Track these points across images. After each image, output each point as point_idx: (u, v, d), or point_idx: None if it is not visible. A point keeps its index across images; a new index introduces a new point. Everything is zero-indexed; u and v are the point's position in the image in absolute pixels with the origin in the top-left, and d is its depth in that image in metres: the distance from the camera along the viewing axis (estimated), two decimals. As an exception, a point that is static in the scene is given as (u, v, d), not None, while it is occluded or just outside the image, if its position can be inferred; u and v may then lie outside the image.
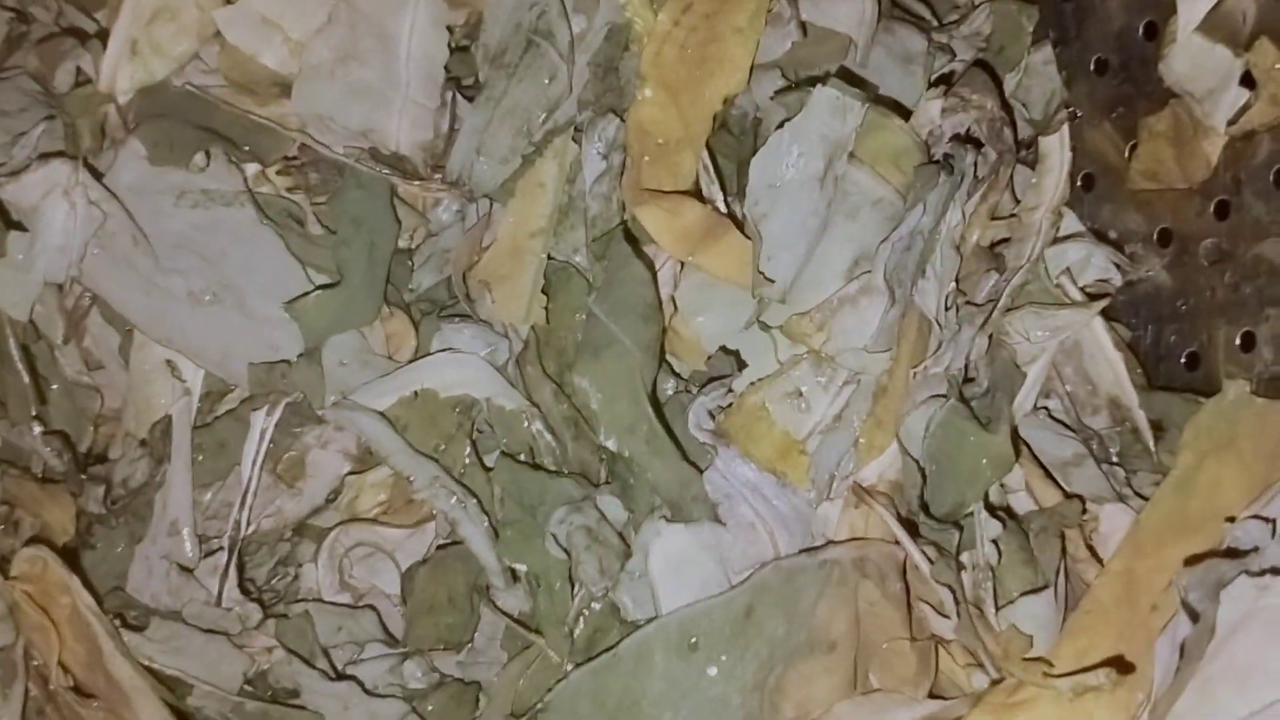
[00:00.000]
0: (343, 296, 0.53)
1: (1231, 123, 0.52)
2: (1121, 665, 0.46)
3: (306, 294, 0.52)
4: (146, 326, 0.54)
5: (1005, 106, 0.55)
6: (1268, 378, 0.51)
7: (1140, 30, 0.56)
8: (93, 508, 0.54)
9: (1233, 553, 0.46)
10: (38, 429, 0.56)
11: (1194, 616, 0.44)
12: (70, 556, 0.53)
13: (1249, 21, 0.52)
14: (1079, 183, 0.59)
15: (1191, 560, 0.46)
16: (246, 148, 0.55)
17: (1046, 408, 0.57)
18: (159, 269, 0.53)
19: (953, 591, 0.48)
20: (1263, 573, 0.45)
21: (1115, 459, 0.55)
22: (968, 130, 0.54)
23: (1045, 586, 0.49)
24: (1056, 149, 0.57)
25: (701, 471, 0.50)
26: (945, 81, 0.56)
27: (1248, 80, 0.52)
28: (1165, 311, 0.56)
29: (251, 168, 0.55)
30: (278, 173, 0.55)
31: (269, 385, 0.52)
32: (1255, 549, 0.46)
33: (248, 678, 0.52)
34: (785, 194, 0.52)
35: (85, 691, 0.51)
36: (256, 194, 0.54)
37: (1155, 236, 0.57)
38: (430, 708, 0.52)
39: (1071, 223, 0.58)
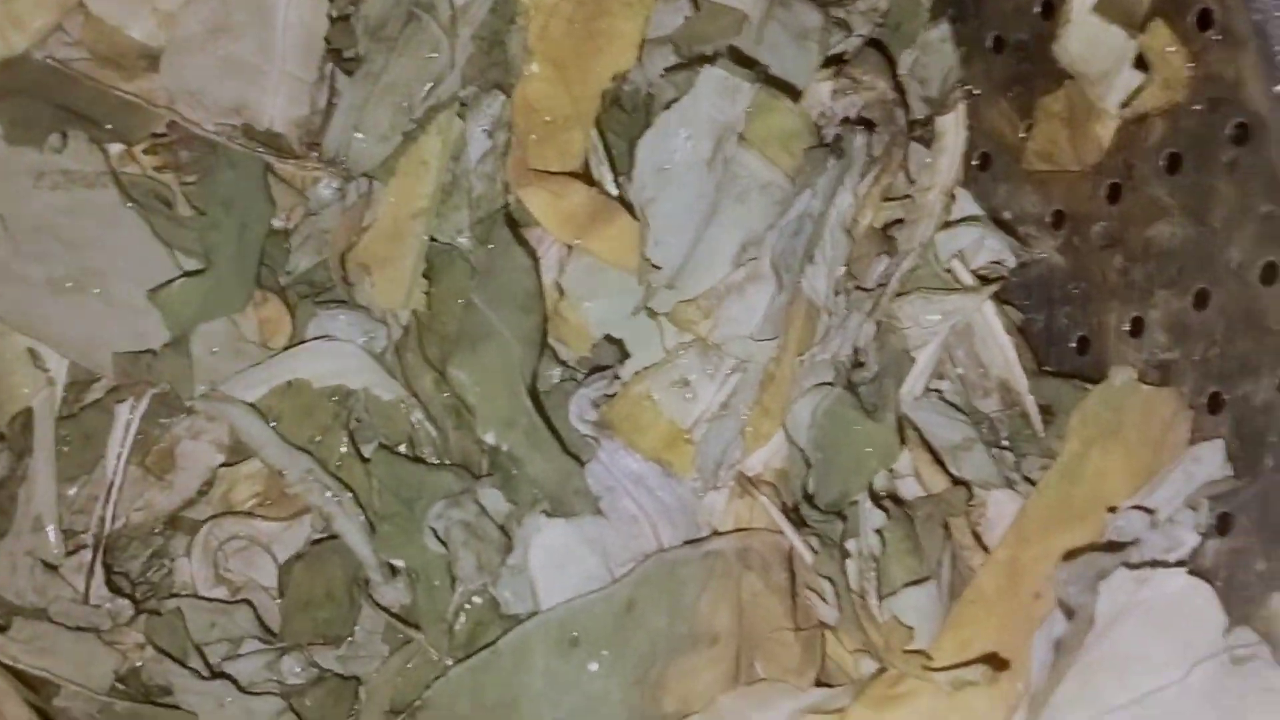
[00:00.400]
0: (210, 282, 0.51)
1: (1125, 105, 0.52)
2: (999, 660, 0.46)
3: (172, 280, 0.50)
4: (5, 314, 0.52)
5: (898, 87, 0.55)
6: (1155, 364, 0.51)
7: (1038, 8, 0.56)
8: (-47, 503, 0.52)
9: (1112, 545, 0.46)
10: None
11: (1069, 613, 0.44)
12: (-69, 553, 0.51)
13: (1144, 3, 0.51)
14: (975, 162, 0.58)
15: (1071, 554, 0.46)
16: (110, 126, 0.52)
17: (938, 390, 0.56)
18: (17, 254, 0.51)
19: (833, 583, 0.47)
20: (1141, 565, 0.46)
21: (1005, 443, 0.55)
22: (859, 112, 0.54)
23: (928, 578, 0.48)
24: (952, 128, 0.57)
25: (583, 464, 0.49)
26: (837, 61, 0.55)
27: (1142, 63, 0.51)
28: (1058, 295, 0.56)
29: (117, 147, 0.52)
30: (145, 151, 0.53)
31: (135, 375, 0.51)
32: (1135, 541, 0.46)
33: (119, 676, 0.51)
34: (673, 178, 0.51)
35: (-52, 691, 0.50)
36: (122, 174, 0.52)
37: (1049, 218, 0.56)
38: (308, 704, 0.51)
39: (966, 203, 0.57)
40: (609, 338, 0.52)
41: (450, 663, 0.49)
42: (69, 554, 0.51)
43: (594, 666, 0.47)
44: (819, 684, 0.50)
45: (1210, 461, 0.48)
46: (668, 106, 0.52)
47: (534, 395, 0.50)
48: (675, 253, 0.51)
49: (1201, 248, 0.50)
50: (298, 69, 0.55)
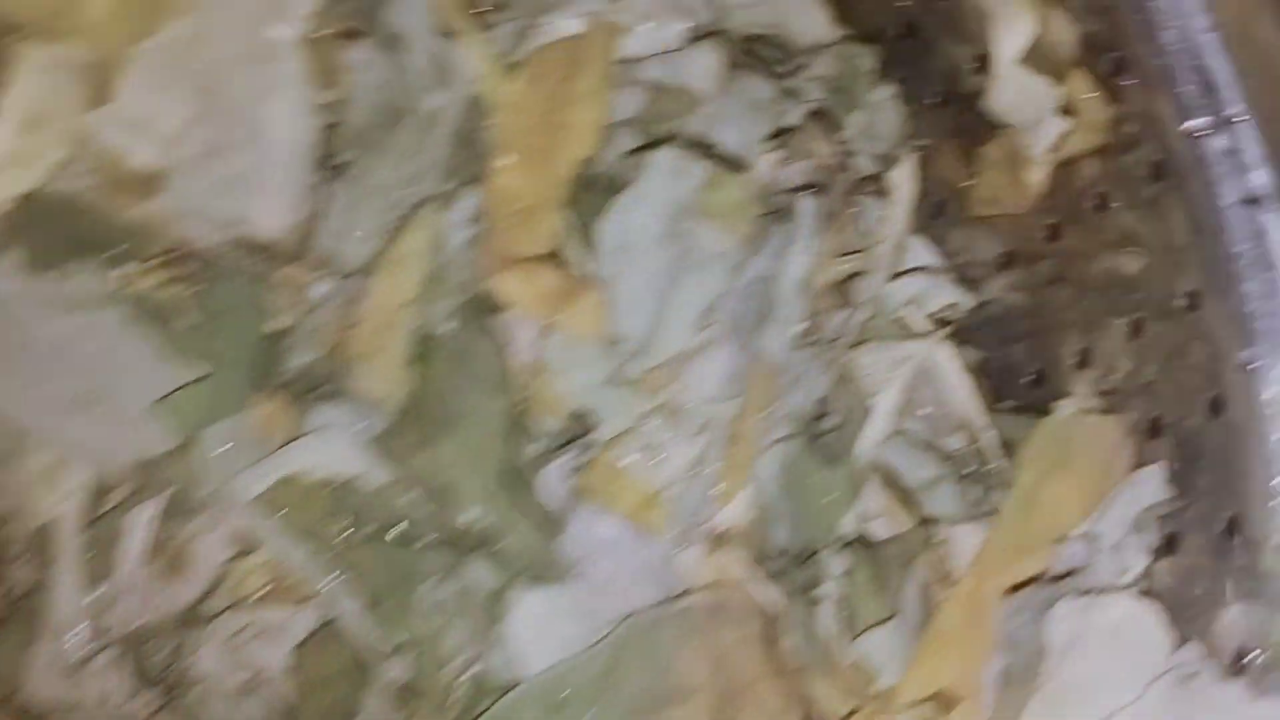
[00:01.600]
0: (213, 387, 0.55)
1: (1053, 150, 0.55)
2: (960, 692, 0.48)
3: (176, 390, 0.54)
4: (33, 429, 0.56)
5: (844, 150, 0.58)
6: (1102, 393, 0.54)
7: (974, 64, 0.59)
8: (-15, 613, 0.57)
9: (1058, 575, 0.49)
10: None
11: (1010, 643, 0.46)
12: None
13: (1065, 53, 0.54)
14: (930, 213, 0.61)
15: (1017, 587, 0.49)
16: (119, 248, 0.56)
17: (905, 432, 0.59)
18: (38, 376, 0.55)
19: (803, 629, 0.50)
20: (1088, 591, 0.48)
21: (971, 478, 0.57)
22: (807, 177, 0.57)
23: (893, 615, 0.51)
24: (902, 182, 0.60)
25: (560, 533, 0.52)
26: (784, 133, 0.58)
27: (1067, 110, 0.54)
28: (1011, 332, 0.59)
29: (125, 266, 0.57)
30: (151, 269, 0.57)
31: (148, 481, 0.55)
32: (1077, 569, 0.48)
33: (151, 764, 0.55)
34: (634, 254, 0.55)
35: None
36: (129, 291, 0.56)
37: (999, 261, 0.59)
38: (324, 777, 0.54)
39: (920, 252, 0.60)
40: (582, 407, 0.55)
41: (452, 729, 0.52)
42: (96, 652, 0.55)
43: (583, 724, 0.50)
44: (807, 723, 0.53)
45: (1151, 485, 0.50)
46: (625, 188, 0.56)
47: (511, 470, 0.53)
48: (640, 323, 0.54)
49: (1133, 280, 0.52)
50: (290, 179, 0.58)
